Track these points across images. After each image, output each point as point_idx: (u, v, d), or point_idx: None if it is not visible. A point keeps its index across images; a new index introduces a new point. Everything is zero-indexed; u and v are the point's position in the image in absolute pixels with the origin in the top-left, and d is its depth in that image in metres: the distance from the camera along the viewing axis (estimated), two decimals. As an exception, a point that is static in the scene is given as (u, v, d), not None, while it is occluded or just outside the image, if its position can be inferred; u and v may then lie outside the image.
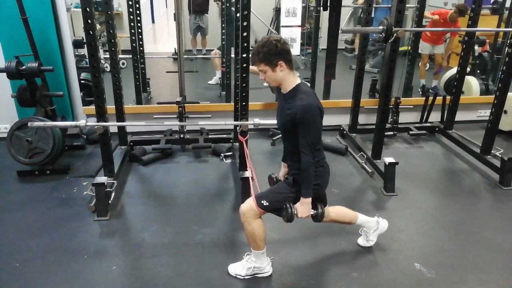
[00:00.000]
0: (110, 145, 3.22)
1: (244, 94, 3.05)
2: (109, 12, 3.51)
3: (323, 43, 4.36)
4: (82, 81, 4.33)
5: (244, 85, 3.02)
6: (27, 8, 3.67)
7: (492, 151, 3.72)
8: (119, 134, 3.92)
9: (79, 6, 2.93)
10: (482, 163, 3.79)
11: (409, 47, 5.18)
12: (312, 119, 2.00)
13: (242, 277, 2.38)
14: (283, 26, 4.43)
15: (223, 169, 3.79)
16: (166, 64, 6.15)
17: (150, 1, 6.85)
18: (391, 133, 4.42)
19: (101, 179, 2.97)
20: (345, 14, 7.49)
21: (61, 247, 2.65)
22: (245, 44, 2.90)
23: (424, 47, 5.60)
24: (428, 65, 5.86)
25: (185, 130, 4.05)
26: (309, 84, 3.06)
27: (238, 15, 3.30)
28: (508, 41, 3.48)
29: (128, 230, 2.86)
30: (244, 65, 2.97)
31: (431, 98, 4.61)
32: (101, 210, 2.97)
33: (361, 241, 2.69)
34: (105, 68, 4.53)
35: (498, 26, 5.37)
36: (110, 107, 3.37)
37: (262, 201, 2.19)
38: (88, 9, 2.81)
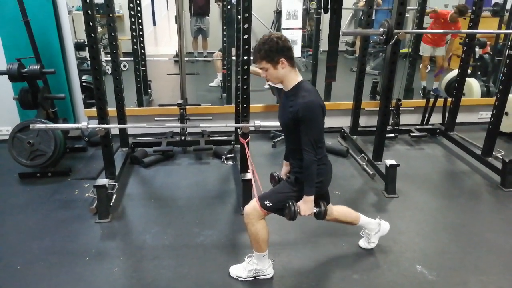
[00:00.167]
0: (111, 147, 3.23)
1: (245, 96, 3.05)
2: (110, 15, 3.52)
3: (324, 45, 4.35)
4: (83, 84, 4.34)
5: (245, 87, 3.03)
6: (29, 10, 3.69)
7: (493, 153, 3.72)
8: (121, 136, 3.93)
9: (80, 9, 2.94)
10: (483, 165, 3.78)
11: (410, 49, 5.18)
12: (314, 116, 2.00)
13: (243, 279, 2.38)
14: (284, 28, 4.43)
15: (224, 171, 3.79)
16: (167, 66, 6.17)
17: (151, 4, 6.87)
18: (392, 135, 4.42)
19: (103, 181, 2.98)
20: (346, 16, 7.50)
21: (63, 249, 2.65)
22: (246, 47, 2.91)
23: (425, 49, 5.60)
24: (429, 67, 5.87)
25: (186, 132, 4.06)
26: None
27: (239, 17, 3.31)
28: (509, 43, 3.49)
29: (129, 232, 2.87)
30: (245, 67, 2.97)
31: (432, 100, 4.61)
32: (102, 212, 2.97)
33: (362, 243, 2.69)
34: (107, 71, 4.54)
35: (499, 28, 5.37)
36: (112, 109, 3.38)
37: (265, 202, 2.19)
38: (89, 12, 2.82)
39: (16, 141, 3.47)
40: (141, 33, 4.63)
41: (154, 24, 7.11)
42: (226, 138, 4.20)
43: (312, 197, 2.14)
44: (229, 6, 4.76)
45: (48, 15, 3.92)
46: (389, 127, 4.23)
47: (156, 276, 2.43)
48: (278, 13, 6.05)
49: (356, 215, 2.55)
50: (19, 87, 3.63)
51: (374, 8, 4.41)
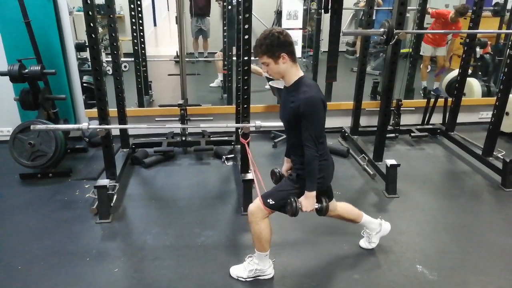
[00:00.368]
0: (112, 148, 3.23)
1: (245, 96, 3.05)
2: (111, 16, 3.52)
3: (324, 46, 4.35)
4: (84, 84, 4.35)
5: (245, 87, 3.03)
6: (30, 11, 3.69)
7: (494, 153, 3.72)
8: (121, 137, 3.93)
9: (81, 10, 2.94)
10: (484, 165, 3.78)
11: (411, 49, 5.18)
12: (315, 111, 1.99)
13: (244, 280, 2.38)
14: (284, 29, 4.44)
15: (224, 172, 3.79)
16: (168, 67, 6.18)
17: (152, 4, 6.88)
18: (392, 135, 4.41)
19: (103, 181, 2.98)
20: (347, 16, 7.50)
21: (63, 250, 2.65)
22: (247, 47, 2.91)
23: (426, 49, 5.60)
24: (429, 67, 5.87)
25: (187, 132, 4.06)
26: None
27: (239, 17, 3.31)
28: (510, 43, 3.49)
29: (130, 233, 2.87)
30: (246, 67, 2.98)
31: (432, 100, 4.61)
32: (103, 213, 2.98)
33: (363, 243, 2.69)
34: (107, 71, 4.56)
35: (500, 28, 5.37)
36: (112, 110, 3.38)
37: (268, 200, 2.19)
38: (90, 13, 2.82)
39: (17, 141, 3.47)
40: (141, 33, 4.64)
41: (155, 24, 7.12)
42: (226, 138, 4.20)
43: (314, 193, 2.13)
44: (229, 7, 4.76)
45: (49, 16, 3.92)
46: (389, 127, 4.23)
47: (157, 276, 2.43)
48: (279, 14, 6.06)
49: (358, 212, 2.56)
50: (20, 88, 3.64)
51: (375, 8, 4.41)
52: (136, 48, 4.63)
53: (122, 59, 4.58)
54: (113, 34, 3.58)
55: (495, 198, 3.39)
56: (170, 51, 6.27)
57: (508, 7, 5.33)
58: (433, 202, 3.32)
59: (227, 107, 4.60)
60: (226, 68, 4.95)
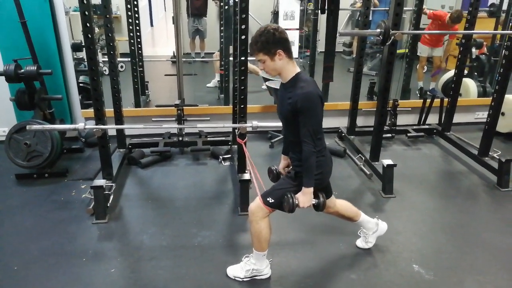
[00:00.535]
0: (108, 148, 3.22)
1: (242, 96, 3.06)
2: (107, 16, 3.52)
3: (321, 46, 4.37)
4: (80, 84, 4.33)
5: (242, 87, 3.03)
6: (26, 11, 3.68)
7: (490, 153, 3.74)
8: (118, 137, 3.92)
9: (77, 10, 2.94)
10: (480, 165, 3.80)
11: (407, 50, 5.19)
12: (312, 107, 1.98)
13: (241, 280, 2.38)
14: (281, 29, 4.44)
15: (221, 172, 3.79)
16: (164, 67, 6.17)
17: (149, 5, 6.86)
18: (389, 135, 4.42)
19: (100, 182, 2.97)
20: (343, 17, 7.51)
21: (60, 250, 2.64)
22: (244, 47, 2.91)
23: (423, 50, 5.63)
24: (425, 67, 5.88)
25: (183, 132, 4.06)
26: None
27: (236, 17, 3.31)
28: (505, 43, 3.50)
29: (127, 233, 2.86)
30: (243, 68, 2.98)
31: (429, 100, 4.62)
32: (99, 213, 2.97)
33: (360, 243, 2.69)
34: (104, 71, 4.54)
35: (495, 28, 5.39)
36: (109, 110, 3.38)
37: (268, 199, 2.19)
38: (86, 13, 2.82)
39: (12, 142, 3.46)
40: (138, 34, 4.63)
41: (152, 25, 7.09)
42: (223, 138, 4.20)
43: (311, 189, 2.12)
44: (226, 7, 4.76)
45: (45, 16, 3.91)
46: (386, 128, 4.23)
47: (154, 276, 2.42)
48: (276, 14, 6.06)
49: (357, 211, 2.56)
50: (16, 88, 3.62)
51: (371, 9, 4.42)
52: (132, 48, 4.63)
53: (119, 59, 4.57)
54: (110, 34, 3.57)
55: (491, 198, 3.41)
56: (167, 52, 6.25)
57: (504, 7, 5.35)
58: (430, 202, 3.33)
59: (224, 107, 4.60)
60: (223, 68, 4.94)
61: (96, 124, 3.09)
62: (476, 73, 5.34)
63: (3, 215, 3.05)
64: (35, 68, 3.50)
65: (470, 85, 5.05)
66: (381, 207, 3.22)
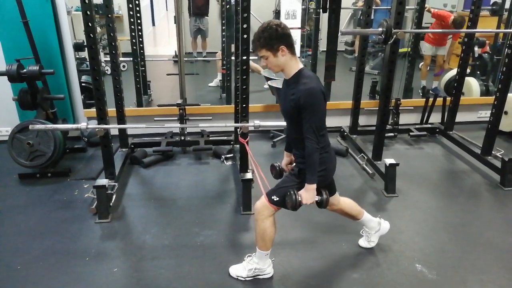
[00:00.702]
0: (111, 148, 3.23)
1: (244, 96, 3.05)
2: (109, 15, 3.52)
3: (323, 45, 4.36)
4: (83, 84, 4.34)
5: (244, 87, 3.03)
6: (28, 11, 3.68)
7: (493, 152, 3.73)
8: (120, 137, 3.93)
9: (79, 9, 2.94)
10: (482, 164, 3.79)
11: (409, 49, 5.18)
12: (316, 102, 1.97)
13: (243, 279, 2.38)
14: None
15: (223, 171, 3.79)
16: (166, 66, 6.17)
17: (151, 4, 6.87)
18: (391, 134, 4.42)
19: (102, 181, 2.98)
20: (345, 16, 7.50)
21: (63, 250, 2.65)
22: (245, 47, 2.91)
23: (427, 48, 5.63)
24: (428, 66, 5.87)
25: (185, 132, 4.06)
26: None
27: (238, 17, 3.31)
28: (508, 42, 3.49)
29: (129, 232, 2.87)
30: (244, 67, 2.98)
31: (431, 99, 4.61)
32: (102, 213, 2.97)
33: (362, 242, 2.69)
34: (106, 71, 4.54)
35: (498, 27, 5.37)
36: (111, 110, 3.38)
37: (273, 197, 2.19)
38: (88, 12, 2.82)
39: (15, 141, 3.47)
40: (140, 33, 4.63)
41: (154, 24, 7.11)
42: (225, 138, 4.20)
43: (314, 186, 2.10)
44: (228, 6, 4.76)
45: (47, 15, 3.92)
46: (388, 127, 4.23)
47: (156, 276, 2.43)
48: (277, 13, 6.06)
49: (360, 209, 2.56)
50: (18, 88, 3.63)
51: (373, 7, 4.41)
52: (134, 47, 4.63)
53: (121, 58, 4.58)
54: (112, 34, 3.58)
55: (494, 197, 3.40)
56: (169, 51, 6.26)
57: (506, 6, 5.33)
58: (432, 201, 3.32)
59: (226, 106, 4.60)
60: (224, 67, 4.94)
61: (99, 124, 3.10)
62: (478, 72, 5.32)
63: (6, 215, 3.06)
64: (38, 68, 3.50)
65: (472, 84, 5.03)
66: (384, 206, 3.22)
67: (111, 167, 3.27)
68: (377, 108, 3.61)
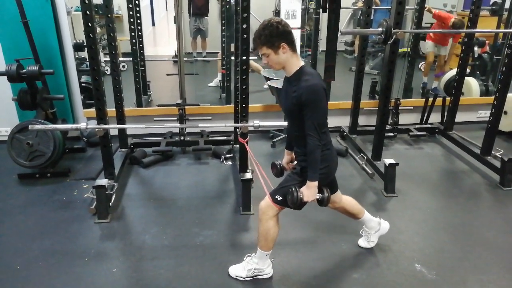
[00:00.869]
0: (110, 148, 3.23)
1: (244, 96, 3.05)
2: (109, 15, 3.52)
3: (322, 45, 4.35)
4: (82, 84, 4.34)
5: (244, 87, 3.03)
6: (28, 11, 3.68)
7: (492, 152, 3.73)
8: (120, 137, 3.92)
9: (79, 10, 2.94)
10: (482, 164, 3.79)
11: (409, 49, 5.18)
12: (317, 99, 1.97)
13: (243, 279, 2.38)
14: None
15: (223, 171, 3.79)
16: (166, 66, 6.17)
17: (150, 4, 6.87)
18: (391, 134, 4.42)
19: (102, 181, 2.98)
20: (345, 16, 7.50)
21: (62, 250, 2.65)
22: (245, 47, 2.91)
23: (429, 46, 5.64)
24: (431, 65, 5.87)
25: (185, 132, 4.06)
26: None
27: (238, 17, 3.31)
28: (508, 42, 3.49)
29: (129, 233, 2.87)
30: (244, 67, 2.98)
31: (431, 99, 4.62)
32: (101, 213, 2.97)
33: (362, 242, 2.69)
34: (106, 71, 4.54)
35: (498, 27, 5.37)
36: (111, 110, 3.38)
37: (276, 196, 2.18)
38: (88, 12, 2.82)
39: (15, 142, 3.47)
40: (140, 33, 4.63)
41: (153, 24, 7.11)
42: (225, 138, 4.20)
43: (316, 183, 2.09)
44: (227, 6, 4.76)
45: (47, 15, 3.92)
46: (388, 127, 4.23)
47: (156, 276, 2.43)
48: (277, 13, 6.05)
49: (361, 208, 2.57)
50: (18, 88, 3.63)
51: (373, 7, 4.41)
52: (134, 48, 4.63)
53: (120, 59, 4.58)
54: (111, 34, 3.58)
55: (493, 197, 3.40)
56: (169, 51, 6.26)
57: (506, 6, 5.33)
58: (432, 201, 3.32)
59: (225, 106, 4.60)
60: (224, 67, 4.94)
61: (98, 124, 3.10)
62: (478, 72, 5.32)
63: (5, 215, 3.05)
64: (37, 68, 3.50)
65: (472, 84, 5.04)
66: (383, 206, 3.22)
67: (110, 167, 3.27)
68: (377, 108, 3.61)
